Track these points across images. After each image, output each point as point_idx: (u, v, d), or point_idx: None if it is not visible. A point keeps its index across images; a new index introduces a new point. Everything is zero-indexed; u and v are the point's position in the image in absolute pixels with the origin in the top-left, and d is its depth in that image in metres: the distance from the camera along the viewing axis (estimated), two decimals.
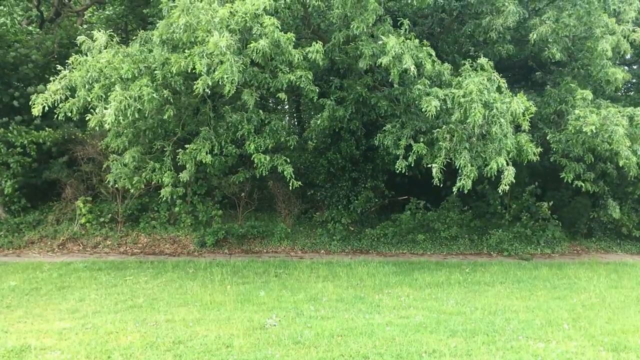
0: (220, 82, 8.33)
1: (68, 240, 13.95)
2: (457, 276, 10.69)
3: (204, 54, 8.34)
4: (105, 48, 9.37)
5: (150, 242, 14.17)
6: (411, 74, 9.41)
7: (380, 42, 9.68)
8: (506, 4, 10.90)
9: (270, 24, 8.61)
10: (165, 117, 9.49)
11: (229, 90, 8.34)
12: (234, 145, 10.98)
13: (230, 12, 8.39)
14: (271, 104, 16.07)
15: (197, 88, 8.41)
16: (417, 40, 9.79)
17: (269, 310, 8.03)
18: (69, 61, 9.60)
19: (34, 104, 9.32)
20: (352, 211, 15.13)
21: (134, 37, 10.07)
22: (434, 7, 12.71)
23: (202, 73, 8.32)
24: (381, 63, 9.51)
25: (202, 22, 8.34)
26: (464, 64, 10.08)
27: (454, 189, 9.95)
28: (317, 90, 10.14)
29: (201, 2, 8.61)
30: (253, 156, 10.20)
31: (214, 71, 8.34)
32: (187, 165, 10.01)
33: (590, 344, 6.67)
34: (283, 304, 8.46)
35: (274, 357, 6.08)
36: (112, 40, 9.33)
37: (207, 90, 8.49)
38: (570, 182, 12.00)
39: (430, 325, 7.26)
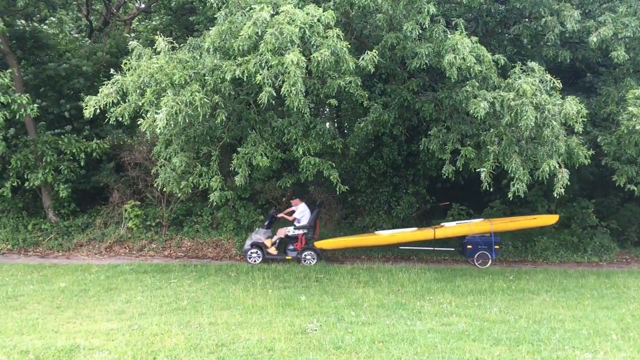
0: (285, 95, 8.35)
1: (115, 243, 14.34)
2: (500, 283, 10.50)
3: (263, 65, 8.37)
4: (158, 54, 9.53)
5: (193, 246, 14.42)
6: (474, 71, 9.28)
7: (449, 37, 9.53)
8: (568, 7, 10.66)
9: (333, 35, 8.57)
10: (218, 121, 9.61)
11: (292, 102, 8.36)
12: (279, 150, 11.09)
13: (288, 22, 8.39)
14: (312, 109, 16.18)
15: (261, 99, 8.46)
16: (475, 38, 9.68)
17: (310, 315, 8.05)
18: (122, 65, 9.82)
19: (86, 106, 9.54)
20: (394, 217, 15.06)
21: (181, 44, 10.23)
22: (479, 11, 12.59)
23: (264, 85, 8.37)
24: (439, 62, 9.43)
25: (270, 36, 8.28)
26: (513, 66, 9.92)
27: (509, 194, 9.77)
28: (367, 94, 10.13)
29: (261, 9, 8.59)
30: (302, 159, 10.27)
31: (273, 83, 8.40)
32: (240, 170, 10.11)
33: None
34: (324, 308, 8.47)
35: None
36: (167, 47, 9.48)
37: (272, 101, 8.55)
38: (622, 185, 11.66)
39: (473, 333, 7.16)
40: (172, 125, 8.97)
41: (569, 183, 9.71)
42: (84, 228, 14.77)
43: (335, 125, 20.09)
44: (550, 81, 9.76)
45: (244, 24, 8.59)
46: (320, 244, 12.83)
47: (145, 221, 14.78)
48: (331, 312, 8.24)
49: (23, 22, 14.60)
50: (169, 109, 8.53)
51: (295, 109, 8.76)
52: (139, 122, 9.49)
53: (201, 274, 11.18)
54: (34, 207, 15.37)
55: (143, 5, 20.59)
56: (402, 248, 13.75)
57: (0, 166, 14.79)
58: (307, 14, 8.50)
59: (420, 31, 9.76)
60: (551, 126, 9.34)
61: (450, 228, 13.10)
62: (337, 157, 14.18)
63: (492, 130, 10.16)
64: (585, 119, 9.97)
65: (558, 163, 9.55)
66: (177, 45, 9.94)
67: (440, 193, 16.35)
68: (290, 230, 12.97)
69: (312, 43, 8.62)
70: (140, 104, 9.25)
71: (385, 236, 13.12)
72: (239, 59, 8.72)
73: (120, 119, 9.57)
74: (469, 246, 12.73)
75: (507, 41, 14.11)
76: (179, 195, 11.78)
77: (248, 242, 12.99)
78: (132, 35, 19.11)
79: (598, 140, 11.65)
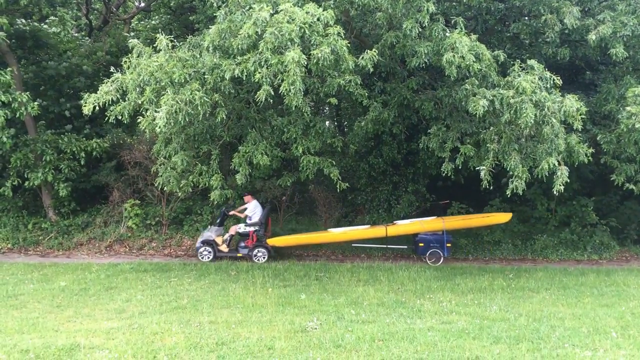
0: (284, 94, 8.34)
1: (115, 242, 14.33)
2: (500, 282, 10.52)
3: (262, 63, 8.34)
4: (157, 52, 9.51)
5: (193, 245, 14.42)
6: (473, 69, 9.27)
7: (448, 35, 9.52)
8: (567, 5, 10.65)
9: (333, 32, 8.53)
10: (218, 120, 9.60)
11: (292, 101, 8.34)
12: (279, 149, 11.10)
13: (288, 21, 8.37)
14: (312, 107, 16.21)
15: (259, 97, 8.45)
16: (474, 36, 9.67)
17: (310, 314, 8.07)
18: (122, 64, 9.80)
19: (85, 104, 9.52)
20: (394, 215, 15.06)
21: (181, 43, 10.22)
22: (479, 9, 12.59)
23: (262, 83, 8.35)
24: (439, 61, 9.43)
25: (270, 35, 8.24)
26: (513, 64, 9.93)
27: (507, 192, 9.75)
28: (366, 93, 10.12)
29: (260, 8, 8.56)
30: (302, 158, 10.30)
31: (272, 82, 8.39)
32: (240, 169, 10.12)
33: None
34: (324, 307, 8.49)
35: None
36: (168, 45, 9.47)
37: (269, 99, 8.53)
38: (620, 185, 11.66)
39: (473, 331, 7.17)
40: (172, 124, 8.96)
41: (568, 181, 9.70)
42: (84, 227, 14.77)
43: (335, 123, 20.10)
44: (550, 79, 9.76)
45: (244, 23, 8.59)
46: (272, 241, 12.84)
47: (145, 220, 14.78)
48: (331, 310, 8.26)
49: (23, 21, 14.58)
50: (169, 107, 8.52)
51: (294, 108, 8.76)
52: (138, 121, 9.49)
53: (201, 273, 11.19)
54: (34, 206, 15.37)
55: (143, 4, 20.61)
56: (355, 245, 13.83)
57: (0, 165, 14.79)
58: (307, 13, 8.48)
59: (420, 30, 9.75)
60: (551, 124, 9.34)
61: (403, 226, 13.15)
62: (337, 155, 14.18)
63: (491, 128, 10.16)
64: (585, 117, 9.96)
65: (558, 161, 9.54)
66: (177, 44, 9.93)
67: (440, 191, 16.34)
68: (241, 228, 12.97)
69: (312, 42, 8.61)
70: (140, 103, 9.24)
71: (338, 233, 13.15)
72: (239, 57, 8.71)
73: (120, 117, 9.56)
74: (421, 244, 12.77)
75: (506, 39, 14.10)
76: (179, 194, 11.78)
77: (199, 240, 12.98)
78: (132, 34, 19.10)
79: (598, 138, 11.64)
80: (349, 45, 8.85)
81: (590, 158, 10.21)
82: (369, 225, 13.84)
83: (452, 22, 10.06)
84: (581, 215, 14.78)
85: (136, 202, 14.82)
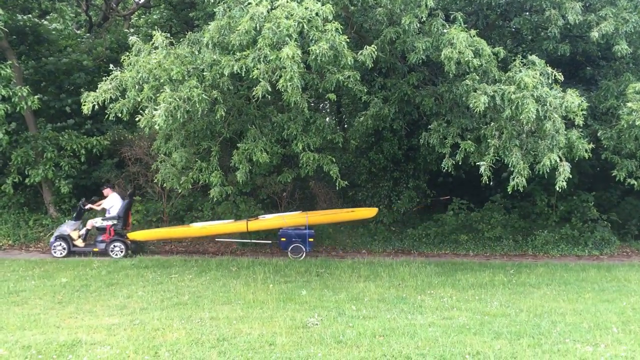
0: (282, 90, 8.31)
1: None
2: (501, 277, 10.51)
3: (260, 59, 8.32)
4: (156, 49, 9.49)
5: (194, 241, 14.43)
6: (473, 65, 9.24)
7: (445, 31, 9.50)
8: (569, 0, 10.62)
9: (331, 28, 8.50)
10: (217, 117, 9.58)
11: (290, 97, 8.31)
12: (279, 145, 11.10)
13: (286, 16, 8.35)
14: (312, 104, 16.20)
15: (256, 93, 8.43)
16: (473, 32, 9.64)
17: (311, 310, 8.06)
18: (122, 61, 9.79)
19: (84, 102, 9.52)
20: (394, 211, 15.07)
21: (181, 39, 10.20)
22: (479, 4, 12.56)
23: (260, 79, 8.34)
24: (438, 56, 9.40)
25: (267, 31, 8.22)
26: (514, 59, 9.90)
27: (508, 188, 9.74)
28: (365, 89, 10.10)
29: (257, 3, 8.54)
30: (301, 155, 10.27)
31: (270, 78, 8.37)
32: (240, 166, 10.11)
33: None
34: (325, 303, 8.48)
35: (316, 356, 6.11)
36: (163, 42, 9.44)
37: (269, 95, 8.51)
38: (622, 180, 11.64)
39: (474, 327, 7.17)
40: (171, 121, 8.95)
41: (570, 176, 9.69)
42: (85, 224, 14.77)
43: (335, 119, 20.08)
44: (551, 74, 9.74)
45: (242, 19, 8.57)
46: (133, 235, 12.77)
47: (146, 217, 14.80)
48: (332, 306, 8.25)
49: (23, 17, 14.57)
50: (167, 105, 8.51)
51: (293, 104, 8.74)
52: (137, 118, 9.49)
53: (202, 269, 11.19)
54: (35, 202, 15.38)
55: (142, 0, 20.57)
56: (218, 240, 13.99)
57: (0, 162, 14.80)
58: (306, 8, 8.46)
59: (419, 25, 9.73)
60: (553, 119, 9.32)
61: (264, 221, 13.19)
62: (338, 151, 14.18)
63: (492, 123, 10.14)
64: (586, 112, 9.94)
65: (559, 157, 9.53)
66: (174, 41, 9.91)
67: (441, 187, 16.36)
68: (97, 222, 12.79)
69: (310, 37, 8.58)
70: (139, 100, 9.23)
71: (199, 228, 13.15)
72: (238, 54, 8.68)
73: (120, 115, 9.55)
74: (283, 239, 12.73)
75: (507, 34, 14.07)
76: (179, 190, 11.79)
77: (54, 235, 12.68)
78: (132, 30, 19.09)
79: (598, 134, 11.62)
80: (348, 40, 8.82)
81: (590, 154, 10.20)
82: (232, 220, 13.82)
83: (452, 17, 10.03)
84: (582, 210, 14.78)
85: (137, 199, 14.83)
